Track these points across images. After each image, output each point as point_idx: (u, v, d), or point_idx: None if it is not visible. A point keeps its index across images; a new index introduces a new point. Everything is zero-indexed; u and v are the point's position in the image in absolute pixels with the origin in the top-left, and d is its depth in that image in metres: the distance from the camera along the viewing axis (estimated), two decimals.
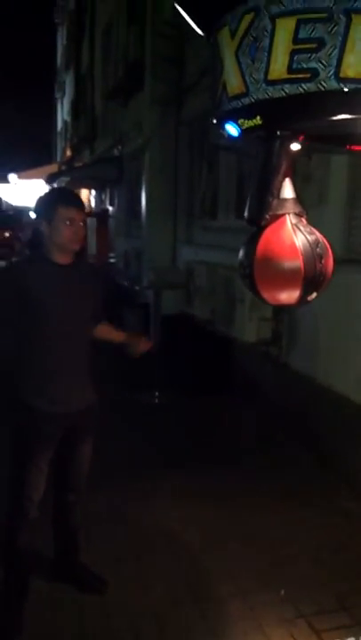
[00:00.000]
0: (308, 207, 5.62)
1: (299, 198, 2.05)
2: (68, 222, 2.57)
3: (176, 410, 5.79)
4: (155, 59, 9.21)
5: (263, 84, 1.75)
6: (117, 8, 12.60)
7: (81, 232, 2.62)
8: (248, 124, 1.87)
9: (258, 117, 1.82)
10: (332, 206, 5.20)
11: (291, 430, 5.08)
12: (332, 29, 1.64)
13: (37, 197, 2.74)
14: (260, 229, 2.01)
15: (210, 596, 2.95)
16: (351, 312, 4.55)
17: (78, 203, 2.69)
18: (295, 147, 2.00)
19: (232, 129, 1.96)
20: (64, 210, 2.57)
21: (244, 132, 1.93)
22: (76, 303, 2.65)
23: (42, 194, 2.76)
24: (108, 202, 15.66)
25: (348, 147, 2.15)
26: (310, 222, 5.31)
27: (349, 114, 1.69)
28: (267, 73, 1.74)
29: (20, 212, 25.05)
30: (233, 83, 1.88)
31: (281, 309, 5.92)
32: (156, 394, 6.13)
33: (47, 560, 3.05)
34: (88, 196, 19.56)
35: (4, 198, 29.46)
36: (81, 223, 2.63)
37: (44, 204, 2.66)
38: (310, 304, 4.66)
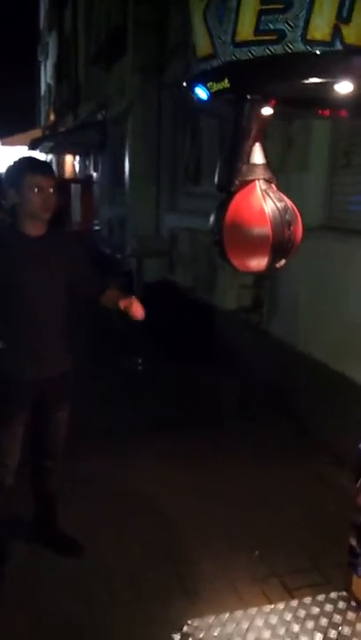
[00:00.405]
0: (290, 172, 5.64)
1: (269, 164, 2.03)
2: (36, 190, 2.55)
3: (158, 376, 5.83)
4: (137, 24, 9.02)
5: (230, 46, 1.72)
6: None
7: (51, 199, 2.59)
8: (217, 86, 1.84)
9: (226, 80, 1.80)
10: (313, 172, 5.17)
11: (270, 397, 5.13)
12: None
13: (6, 167, 2.74)
14: (229, 195, 2.00)
15: (185, 559, 3.02)
16: (331, 278, 4.57)
17: (46, 169, 2.66)
18: (266, 111, 1.98)
19: (201, 92, 1.93)
20: (31, 177, 2.55)
21: (213, 95, 1.91)
22: (45, 275, 2.64)
23: (10, 163, 2.74)
24: (92, 168, 15.47)
25: (319, 112, 2.13)
26: (292, 187, 5.29)
27: (317, 77, 1.67)
28: (234, 35, 1.71)
29: (2, 180, 24.69)
30: (201, 44, 1.85)
31: (262, 276, 5.93)
32: (139, 360, 6.16)
33: (27, 525, 3.09)
34: (72, 162, 19.30)
35: None
36: (50, 190, 2.60)
37: (12, 172, 2.63)
38: (291, 270, 4.68)
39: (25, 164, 2.66)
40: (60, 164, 21.75)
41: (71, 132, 16.12)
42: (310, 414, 4.66)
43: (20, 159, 2.83)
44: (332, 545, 3.08)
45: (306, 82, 1.70)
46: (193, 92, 1.97)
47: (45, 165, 2.74)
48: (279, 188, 2.08)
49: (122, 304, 2.79)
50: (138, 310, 2.78)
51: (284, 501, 3.58)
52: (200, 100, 1.96)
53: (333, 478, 3.86)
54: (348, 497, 2.64)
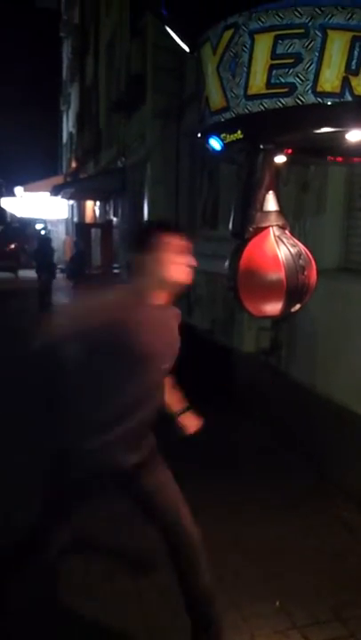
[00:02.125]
0: (307, 216, 5.70)
1: (282, 210, 2.06)
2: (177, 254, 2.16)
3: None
4: (156, 71, 9.31)
5: (243, 99, 1.78)
6: (120, 21, 12.74)
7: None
8: (230, 138, 1.90)
9: (239, 132, 1.85)
10: (330, 215, 5.21)
11: (290, 440, 5.06)
12: (308, 45, 1.66)
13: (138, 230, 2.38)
14: (243, 242, 2.03)
15: None
16: (349, 321, 4.55)
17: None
18: (279, 159, 2.02)
19: (215, 143, 1.98)
20: (176, 241, 2.15)
21: (227, 145, 1.96)
22: (165, 351, 2.39)
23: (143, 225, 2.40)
24: (112, 213, 15.75)
25: (331, 159, 2.17)
26: (309, 230, 5.34)
27: (327, 127, 1.71)
28: (246, 88, 1.77)
29: (26, 225, 25.25)
30: (215, 97, 1.91)
31: (280, 319, 5.93)
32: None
33: None
34: (93, 206, 19.68)
35: (10, 211, 29.67)
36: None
37: (147, 235, 2.21)
38: (309, 312, 4.70)
39: (164, 227, 2.24)
40: (81, 208, 22.19)
41: (92, 179, 16.49)
42: (332, 458, 4.58)
43: (155, 222, 2.55)
44: (355, 595, 3.00)
45: (317, 132, 1.74)
46: (207, 143, 2.02)
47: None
48: (293, 234, 2.11)
49: (180, 419, 2.58)
50: (193, 426, 2.57)
51: (305, 549, 3.49)
52: (214, 151, 2.01)
53: (355, 524, 3.77)
54: None
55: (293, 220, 5.62)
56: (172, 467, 4.60)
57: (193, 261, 2.14)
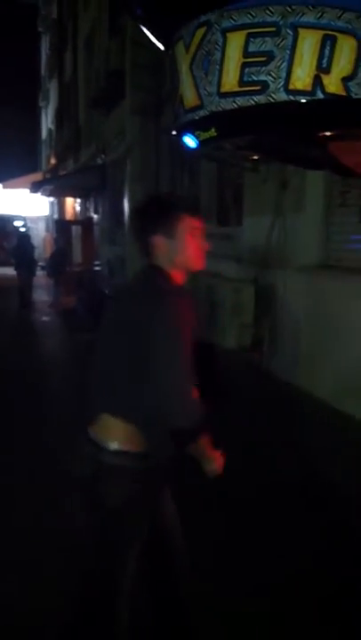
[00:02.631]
0: (287, 214, 5.71)
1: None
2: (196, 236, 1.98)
3: None
4: (135, 68, 9.27)
5: (216, 97, 1.78)
6: (99, 18, 12.66)
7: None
8: (204, 135, 1.90)
9: (213, 129, 1.85)
10: (309, 213, 5.24)
11: (272, 436, 5.09)
12: (280, 43, 1.66)
13: (140, 207, 2.08)
14: None
15: None
16: (329, 317, 4.59)
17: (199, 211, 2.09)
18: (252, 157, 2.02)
19: (190, 141, 1.98)
20: (191, 220, 1.97)
21: (201, 143, 1.96)
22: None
23: (146, 202, 2.09)
24: (92, 210, 15.69)
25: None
26: (289, 228, 5.33)
27: (299, 125, 1.71)
28: (219, 86, 1.77)
29: (5, 222, 25.05)
30: (188, 95, 1.90)
31: (262, 315, 5.96)
32: None
33: None
34: (73, 204, 19.59)
35: None
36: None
37: (161, 213, 1.99)
38: (289, 309, 4.70)
39: (179, 204, 2.04)
40: (61, 205, 22.07)
41: (72, 175, 16.40)
42: (313, 453, 4.61)
43: (166, 197, 2.36)
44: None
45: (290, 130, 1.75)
46: (182, 140, 2.02)
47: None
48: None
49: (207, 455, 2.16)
50: (219, 466, 2.20)
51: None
52: (189, 148, 2.01)
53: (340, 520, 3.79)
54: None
55: (273, 217, 5.65)
56: None
57: (207, 246, 2.01)
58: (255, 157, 2.20)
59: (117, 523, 1.92)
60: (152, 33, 2.18)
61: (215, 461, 2.15)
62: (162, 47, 2.21)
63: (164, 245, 1.93)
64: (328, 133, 1.80)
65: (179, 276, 2.00)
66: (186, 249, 1.94)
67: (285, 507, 3.96)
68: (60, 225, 18.29)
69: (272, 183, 5.49)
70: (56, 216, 23.34)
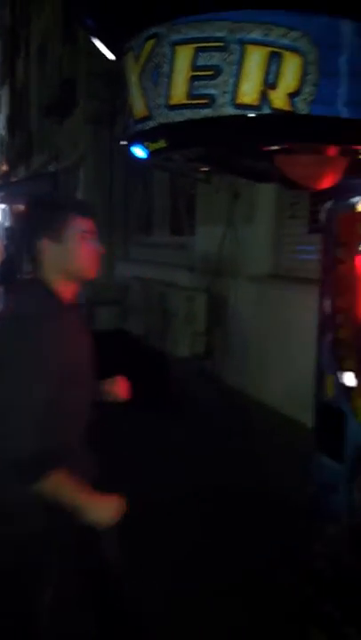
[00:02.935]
0: (238, 224, 5.78)
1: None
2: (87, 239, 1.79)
3: (110, 426, 5.74)
4: (89, 77, 9.25)
5: (165, 109, 1.79)
6: (52, 25, 12.60)
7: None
8: (153, 146, 1.91)
9: (162, 141, 1.86)
10: (261, 224, 5.33)
11: (224, 443, 5.12)
12: (227, 58, 1.69)
13: (28, 207, 1.93)
14: None
15: None
16: (279, 326, 4.66)
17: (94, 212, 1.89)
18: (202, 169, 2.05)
19: (139, 151, 1.99)
20: (82, 221, 1.78)
21: (151, 153, 1.97)
22: (87, 357, 1.94)
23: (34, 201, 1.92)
24: None
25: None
26: (241, 238, 5.39)
27: (246, 139, 1.74)
28: (168, 98, 1.78)
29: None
30: (138, 106, 1.92)
31: (214, 324, 6.01)
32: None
33: None
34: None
35: None
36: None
37: (48, 214, 1.81)
38: (241, 318, 4.73)
39: (67, 204, 1.87)
40: (13, 213, 21.76)
41: (23, 183, 16.20)
42: (264, 461, 4.66)
43: (53, 197, 2.16)
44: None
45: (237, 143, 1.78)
46: (132, 151, 2.03)
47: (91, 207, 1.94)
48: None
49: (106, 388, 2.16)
50: (124, 391, 2.20)
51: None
52: (139, 159, 2.02)
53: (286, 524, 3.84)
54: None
55: (225, 227, 5.72)
56: (109, 467, 4.58)
57: (102, 249, 1.82)
58: (205, 169, 2.22)
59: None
60: (103, 43, 2.18)
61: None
62: (112, 57, 2.22)
63: (51, 251, 1.73)
64: (275, 147, 1.83)
65: (68, 289, 1.80)
66: (76, 254, 1.76)
67: (236, 513, 4.00)
68: (11, 232, 18.02)
69: (224, 194, 5.55)
70: (7, 224, 22.99)
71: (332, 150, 1.93)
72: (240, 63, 1.68)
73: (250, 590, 3.15)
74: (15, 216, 19.18)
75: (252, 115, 1.69)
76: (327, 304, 2.51)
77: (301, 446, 3.99)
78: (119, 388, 2.22)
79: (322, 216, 2.54)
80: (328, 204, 2.49)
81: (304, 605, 2.59)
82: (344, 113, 1.68)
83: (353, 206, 2.29)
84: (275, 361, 4.75)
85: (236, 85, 1.68)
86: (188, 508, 4.03)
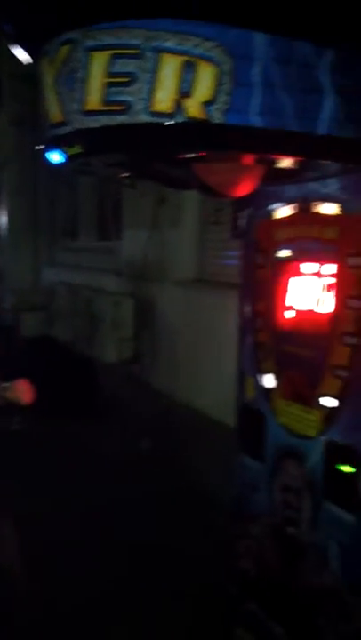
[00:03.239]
0: (164, 229, 5.82)
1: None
2: None
3: (37, 435, 5.64)
4: (11, 78, 9.07)
5: (80, 115, 1.78)
6: None
7: None
8: (70, 151, 1.89)
9: (78, 146, 1.85)
10: (186, 229, 5.39)
11: (154, 447, 5.13)
12: (142, 65, 1.70)
13: None
14: None
15: None
16: (205, 329, 4.72)
17: None
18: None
19: (57, 156, 1.97)
20: None
21: (69, 158, 1.95)
22: None
23: None
24: None
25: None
26: (167, 243, 5.42)
27: (161, 146, 1.76)
28: (83, 103, 1.77)
29: None
30: (53, 111, 1.89)
31: (142, 328, 6.01)
32: (16, 419, 5.94)
33: None
34: None
35: None
36: None
37: None
38: (168, 322, 4.72)
39: None
40: None
41: None
42: (192, 463, 4.70)
43: None
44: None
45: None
46: (49, 155, 2.01)
47: None
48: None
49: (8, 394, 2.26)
50: (26, 394, 2.30)
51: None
52: (55, 164, 2.00)
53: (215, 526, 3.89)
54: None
55: (152, 232, 5.74)
56: (32, 479, 4.50)
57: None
58: (125, 175, 2.23)
59: None
60: (22, 47, 2.16)
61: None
62: (30, 61, 2.19)
63: None
64: (191, 155, 1.86)
65: None
66: None
67: (162, 514, 4.02)
68: None
69: (150, 198, 5.58)
70: None
71: (248, 158, 1.97)
72: (155, 71, 1.69)
73: (174, 591, 3.17)
74: None
75: (167, 122, 1.70)
76: (247, 308, 2.56)
77: (227, 448, 4.06)
78: (21, 391, 2.30)
79: (241, 222, 2.60)
80: (247, 211, 2.55)
81: (229, 605, 2.63)
82: (258, 122, 1.72)
83: (271, 213, 2.36)
84: (202, 364, 4.80)
85: (151, 93, 1.69)
86: (113, 512, 4.02)
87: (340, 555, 2.04)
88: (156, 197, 5.56)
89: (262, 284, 2.43)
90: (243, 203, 2.55)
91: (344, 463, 2.00)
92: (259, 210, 2.44)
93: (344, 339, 1.96)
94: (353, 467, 1.95)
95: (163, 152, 1.80)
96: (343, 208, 1.97)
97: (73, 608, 2.99)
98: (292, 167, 1.99)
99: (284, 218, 2.27)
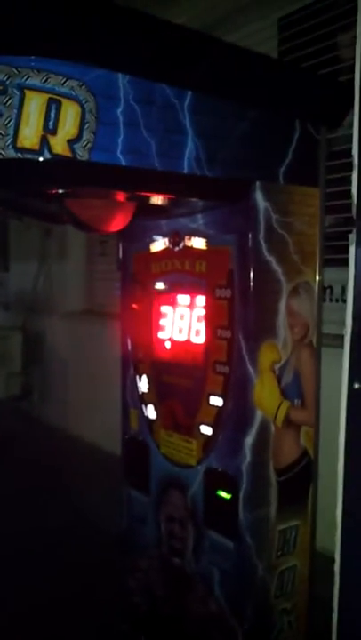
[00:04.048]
0: (51, 261, 5.75)
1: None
2: None
3: None
4: None
5: None
6: None
7: None
8: None
9: None
10: (73, 260, 5.36)
11: (47, 482, 4.99)
12: (7, 102, 1.70)
13: None
14: None
15: None
16: (93, 361, 4.68)
17: None
18: None
19: None
20: None
21: None
22: None
23: None
24: None
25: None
26: (55, 274, 5.37)
27: (28, 182, 1.76)
28: None
29: None
30: None
31: (30, 363, 5.87)
32: None
33: None
34: None
35: None
36: None
37: None
38: (57, 355, 4.62)
39: None
40: None
41: None
42: (85, 496, 4.61)
43: None
44: None
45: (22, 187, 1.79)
46: None
47: None
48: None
49: None
50: None
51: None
52: None
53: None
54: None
55: (39, 264, 5.66)
56: None
57: None
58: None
59: None
60: None
61: None
62: None
63: None
64: (60, 191, 1.87)
65: None
66: None
67: (51, 551, 3.90)
68: None
69: (36, 230, 5.52)
70: None
71: (120, 195, 2.01)
72: (20, 107, 1.69)
73: (64, 631, 3.08)
74: None
75: (33, 159, 1.71)
76: (127, 340, 2.58)
77: (118, 480, 4.03)
78: None
79: (120, 255, 2.63)
80: (123, 245, 2.59)
81: None
82: (123, 160, 1.76)
83: (146, 247, 2.40)
84: (92, 397, 4.76)
85: (16, 129, 1.69)
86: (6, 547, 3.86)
87: (222, 581, 2.07)
88: (42, 229, 5.51)
89: (141, 315, 2.46)
90: (122, 236, 2.59)
91: (222, 489, 2.04)
92: (134, 243, 2.48)
93: (217, 367, 2.02)
94: (229, 492, 2.00)
95: (30, 188, 1.80)
96: (209, 242, 2.05)
97: None
98: (163, 203, 2.05)
99: (158, 251, 2.32)
